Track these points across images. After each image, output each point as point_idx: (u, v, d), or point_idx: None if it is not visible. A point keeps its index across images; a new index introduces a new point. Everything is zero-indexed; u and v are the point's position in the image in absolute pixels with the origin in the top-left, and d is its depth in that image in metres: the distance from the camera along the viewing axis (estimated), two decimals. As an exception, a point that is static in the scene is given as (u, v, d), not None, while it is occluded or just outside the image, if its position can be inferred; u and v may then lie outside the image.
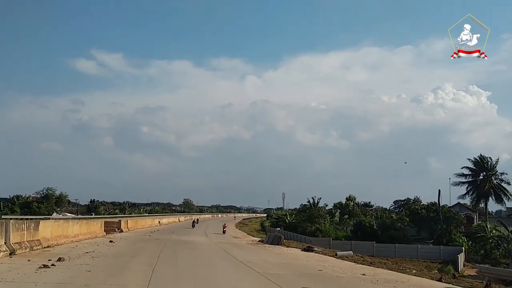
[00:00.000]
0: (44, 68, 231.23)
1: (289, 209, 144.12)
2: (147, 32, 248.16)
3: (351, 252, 26.97)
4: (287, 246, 32.74)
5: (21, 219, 30.47)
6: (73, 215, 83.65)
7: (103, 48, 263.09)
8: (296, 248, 31.99)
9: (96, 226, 30.56)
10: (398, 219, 56.62)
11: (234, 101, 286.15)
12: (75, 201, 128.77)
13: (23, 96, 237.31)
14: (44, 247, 19.54)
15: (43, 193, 65.81)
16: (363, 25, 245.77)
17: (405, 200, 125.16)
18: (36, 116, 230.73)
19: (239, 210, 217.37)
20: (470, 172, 56.47)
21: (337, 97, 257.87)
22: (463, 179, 56.40)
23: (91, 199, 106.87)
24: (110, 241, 26.09)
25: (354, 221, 59.30)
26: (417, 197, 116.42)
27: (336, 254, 26.44)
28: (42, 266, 13.58)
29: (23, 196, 67.23)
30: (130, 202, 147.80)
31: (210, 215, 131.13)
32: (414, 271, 20.47)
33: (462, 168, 56.14)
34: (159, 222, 66.25)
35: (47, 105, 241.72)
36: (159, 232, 44.25)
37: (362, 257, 26.48)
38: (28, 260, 14.87)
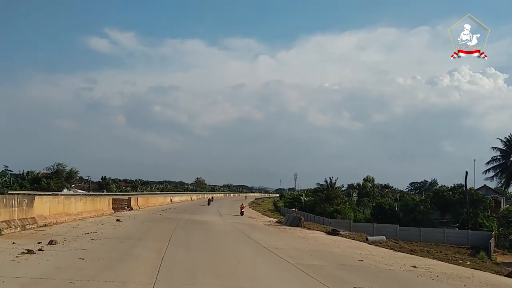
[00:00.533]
0: (58, 46, 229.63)
1: (301, 190, 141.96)
2: (160, 11, 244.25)
3: (384, 237, 24.03)
4: (308, 229, 29.98)
5: (24, 194, 28.06)
6: (84, 191, 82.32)
7: (116, 26, 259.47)
8: (318, 230, 29.18)
9: (103, 203, 28.06)
10: (421, 201, 53.35)
11: (246, 81, 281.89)
12: (87, 178, 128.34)
13: (38, 74, 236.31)
14: (40, 226, 16.97)
15: (53, 169, 63.85)
16: (380, 5, 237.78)
17: (421, 182, 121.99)
18: (50, 93, 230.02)
19: (250, 190, 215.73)
20: (500, 154, 52.60)
21: (351, 78, 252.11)
22: (492, 163, 52.48)
23: (102, 176, 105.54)
24: (117, 220, 23.52)
25: (373, 203, 56.25)
26: (434, 179, 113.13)
27: (367, 239, 23.52)
28: (26, 251, 10.87)
29: (34, 172, 65.38)
30: (142, 180, 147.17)
31: (222, 195, 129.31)
32: (468, 262, 17.46)
33: (493, 149, 52.19)
34: (171, 200, 64.19)
35: (60, 83, 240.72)
36: (171, 210, 41.86)
37: (397, 242, 23.54)
38: (13, 243, 12.19)
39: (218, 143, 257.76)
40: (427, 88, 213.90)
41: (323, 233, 27.40)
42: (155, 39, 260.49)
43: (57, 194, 41.07)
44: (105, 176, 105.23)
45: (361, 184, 66.69)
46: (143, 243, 15.13)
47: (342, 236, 25.56)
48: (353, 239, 24.43)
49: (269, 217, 45.86)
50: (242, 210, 42.52)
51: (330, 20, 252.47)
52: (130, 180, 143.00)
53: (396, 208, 51.36)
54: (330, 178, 63.07)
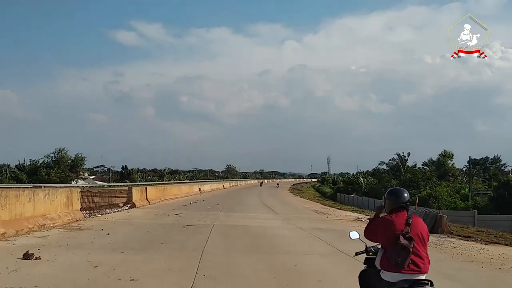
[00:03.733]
0: (86, 41, 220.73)
1: (334, 173, 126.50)
2: (185, 0, 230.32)
3: None
4: (466, 237, 14.45)
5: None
6: (104, 183, 69.67)
7: (143, 18, 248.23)
8: (471, 237, 13.78)
9: (53, 203, 13.34)
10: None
11: (272, 67, 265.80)
12: (111, 168, 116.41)
13: (68, 69, 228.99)
14: None
15: (54, 157, 50.46)
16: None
17: (482, 159, 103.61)
18: (80, 88, 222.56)
19: (283, 175, 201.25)
20: None
21: (378, 60, 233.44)
22: None
23: (123, 165, 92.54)
24: (26, 257, 8.86)
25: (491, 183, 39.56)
26: (497, 155, 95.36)
27: None
28: None
29: (34, 160, 52.27)
30: (171, 169, 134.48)
31: (256, 181, 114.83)
32: None
33: None
34: (199, 189, 49.86)
35: (89, 78, 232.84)
36: (197, 204, 27.47)
37: None
38: None
39: (246, 131, 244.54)
40: (457, 66, 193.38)
41: (492, 244, 12.03)
42: (181, 29, 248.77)
43: (41, 187, 27.02)
44: (126, 165, 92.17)
45: (436, 160, 50.15)
46: None
47: None
48: None
49: (335, 207, 30.68)
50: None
51: (358, 1, 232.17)
52: (159, 170, 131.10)
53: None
54: (399, 154, 47.09)
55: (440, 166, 49.54)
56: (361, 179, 49.90)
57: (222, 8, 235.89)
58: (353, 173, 59.54)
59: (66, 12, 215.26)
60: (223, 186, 70.45)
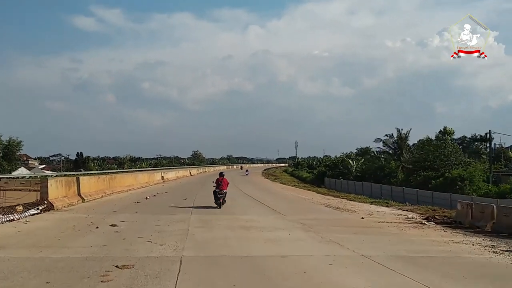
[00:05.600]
0: (43, 27, 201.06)
1: (302, 158, 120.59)
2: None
3: None
4: None
5: None
6: (54, 172, 59.09)
7: (102, 3, 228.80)
8: None
9: None
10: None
11: (235, 53, 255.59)
12: (67, 157, 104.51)
13: (24, 56, 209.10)
14: None
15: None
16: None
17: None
18: (36, 76, 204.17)
19: (251, 160, 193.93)
20: None
21: (341, 44, 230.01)
22: None
23: (77, 153, 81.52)
24: None
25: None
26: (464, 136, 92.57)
27: None
28: None
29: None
30: (133, 156, 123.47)
31: (225, 167, 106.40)
32: None
33: None
34: (162, 177, 40.93)
35: (47, 65, 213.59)
36: (156, 199, 19.12)
37: None
38: None
39: (211, 117, 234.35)
40: (417, 50, 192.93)
41: None
42: (142, 14, 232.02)
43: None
44: (81, 153, 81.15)
45: (433, 138, 43.66)
46: None
47: None
48: None
49: (344, 198, 23.03)
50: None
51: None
52: (120, 158, 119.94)
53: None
54: (398, 129, 39.97)
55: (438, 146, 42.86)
56: (351, 162, 42.71)
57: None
58: (337, 155, 52.55)
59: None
60: (190, 173, 61.54)
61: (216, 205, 15.48)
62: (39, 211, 13.12)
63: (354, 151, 54.25)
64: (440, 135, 43.02)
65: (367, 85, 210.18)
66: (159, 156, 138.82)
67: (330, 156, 77.86)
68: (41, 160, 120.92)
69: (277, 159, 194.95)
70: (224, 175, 16.93)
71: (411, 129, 41.28)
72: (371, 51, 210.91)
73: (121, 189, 24.74)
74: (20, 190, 15.63)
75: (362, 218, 13.52)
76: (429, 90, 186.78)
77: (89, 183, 18.92)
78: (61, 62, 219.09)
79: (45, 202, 13.85)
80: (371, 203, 19.63)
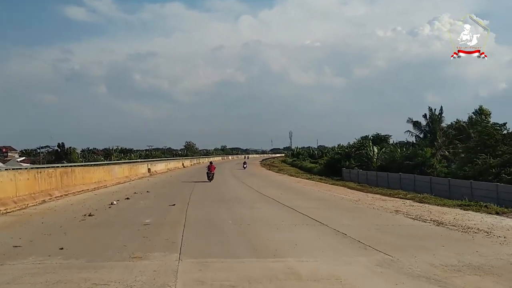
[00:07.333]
0: (34, 17, 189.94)
1: (297, 147, 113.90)
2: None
3: None
4: None
5: None
6: (28, 165, 51.26)
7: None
8: None
9: None
10: None
11: (227, 43, 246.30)
12: (51, 149, 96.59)
13: (15, 47, 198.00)
14: None
15: None
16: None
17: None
18: (28, 67, 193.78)
19: (246, 151, 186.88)
20: None
21: (333, 34, 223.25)
22: None
23: (59, 144, 73.40)
24: None
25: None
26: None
27: None
28: None
29: None
30: (123, 148, 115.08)
31: (220, 158, 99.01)
32: None
33: None
34: (148, 170, 33.55)
35: (38, 56, 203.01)
36: (129, 203, 11.66)
37: None
38: None
39: (204, 108, 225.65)
40: (408, 40, 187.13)
41: None
42: (134, 4, 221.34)
43: None
44: (63, 143, 73.13)
45: (468, 120, 36.48)
46: None
47: None
48: None
49: (388, 196, 15.92)
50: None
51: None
52: (109, 149, 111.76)
53: None
54: (433, 109, 32.58)
55: (473, 125, 35.63)
56: (373, 149, 35.43)
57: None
58: (350, 143, 45.30)
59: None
60: (183, 164, 54.05)
61: (208, 180, 23.05)
62: None
63: (353, 141, 47.08)
64: (474, 116, 36.02)
65: (359, 75, 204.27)
66: (151, 147, 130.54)
67: (325, 146, 70.66)
68: (28, 153, 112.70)
69: (271, 150, 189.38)
70: (212, 163, 25.52)
71: (442, 108, 34.01)
72: (362, 40, 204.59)
73: (85, 187, 17.36)
74: None
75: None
76: (420, 79, 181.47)
77: (14, 182, 11.40)
78: (52, 53, 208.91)
79: None
80: (458, 206, 12.45)
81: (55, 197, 13.86)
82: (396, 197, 15.73)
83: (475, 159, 23.08)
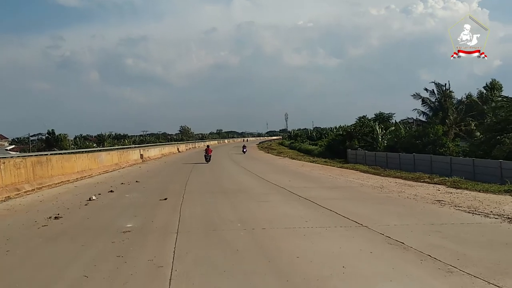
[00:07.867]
0: (23, 3, 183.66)
1: (294, 129, 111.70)
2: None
3: None
4: None
5: None
6: (16, 153, 48.68)
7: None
8: None
9: None
10: None
11: (220, 25, 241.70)
12: (43, 136, 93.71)
13: (6, 35, 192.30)
14: None
15: None
16: None
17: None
18: (19, 55, 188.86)
19: (241, 134, 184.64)
20: None
21: (326, 14, 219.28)
22: None
23: (48, 131, 70.57)
24: None
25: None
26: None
27: None
28: None
29: None
30: (117, 134, 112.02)
31: (216, 142, 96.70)
32: None
33: None
34: (141, 156, 31.22)
35: (28, 43, 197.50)
36: (103, 206, 9.10)
37: None
38: None
39: (198, 91, 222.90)
40: (401, 17, 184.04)
41: None
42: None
43: None
44: (53, 130, 70.25)
45: (477, 95, 34.22)
46: None
47: None
48: None
49: (406, 179, 13.83)
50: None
51: None
52: (103, 135, 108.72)
53: None
54: (442, 84, 30.22)
55: (484, 100, 33.43)
56: (378, 129, 33.21)
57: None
58: (347, 124, 43.08)
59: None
60: (178, 149, 51.70)
61: (206, 162, 24.87)
62: None
63: (352, 122, 44.79)
64: (485, 91, 33.77)
65: (352, 55, 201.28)
66: (145, 133, 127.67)
67: (321, 127, 68.36)
68: (20, 141, 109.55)
69: (267, 133, 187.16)
70: (209, 146, 28.85)
71: (448, 83, 31.58)
72: (356, 19, 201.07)
73: (65, 178, 15.05)
74: None
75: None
76: (414, 58, 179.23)
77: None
78: (43, 40, 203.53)
79: None
80: (506, 192, 10.31)
81: (24, 192, 11.57)
82: (423, 182, 13.58)
83: (498, 137, 20.93)
